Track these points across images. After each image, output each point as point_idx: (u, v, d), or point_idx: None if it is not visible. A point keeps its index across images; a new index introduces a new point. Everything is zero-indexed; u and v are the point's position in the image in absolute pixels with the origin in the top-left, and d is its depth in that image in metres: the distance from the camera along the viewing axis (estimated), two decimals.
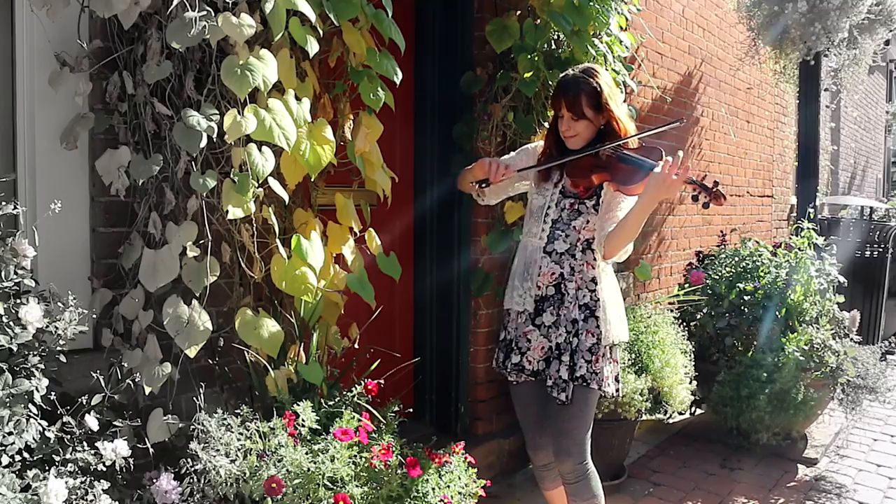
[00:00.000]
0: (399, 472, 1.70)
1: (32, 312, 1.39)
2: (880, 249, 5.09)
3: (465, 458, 1.93)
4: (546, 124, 2.85)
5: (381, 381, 1.94)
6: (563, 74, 2.16)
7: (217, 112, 1.65)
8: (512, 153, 2.31)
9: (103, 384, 1.56)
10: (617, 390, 2.13)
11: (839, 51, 4.91)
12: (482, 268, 3.00)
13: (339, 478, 1.61)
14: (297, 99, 1.80)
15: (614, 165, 2.03)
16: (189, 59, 1.72)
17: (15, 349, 1.38)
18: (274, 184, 1.75)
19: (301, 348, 1.97)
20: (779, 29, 4.67)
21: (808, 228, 4.04)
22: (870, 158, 11.38)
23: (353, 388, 1.90)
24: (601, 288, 2.09)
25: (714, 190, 1.89)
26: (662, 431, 3.81)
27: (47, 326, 1.45)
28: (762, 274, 3.62)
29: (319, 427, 1.70)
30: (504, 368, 2.19)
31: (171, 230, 1.70)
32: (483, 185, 2.13)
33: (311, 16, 1.73)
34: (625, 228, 2.00)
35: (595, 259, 2.10)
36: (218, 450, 1.57)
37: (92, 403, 1.52)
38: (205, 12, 1.58)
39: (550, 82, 2.80)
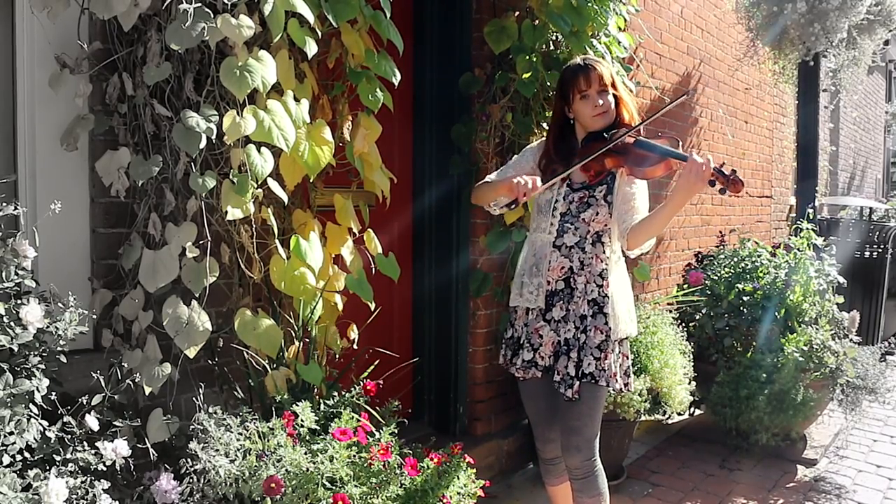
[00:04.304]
0: (398, 472, 1.71)
1: (33, 313, 1.40)
2: (880, 250, 5.09)
3: (464, 458, 1.93)
4: (545, 125, 2.86)
5: (380, 382, 1.95)
6: (567, 65, 2.17)
7: (216, 113, 1.66)
8: (514, 158, 2.30)
9: (103, 384, 1.56)
10: (626, 385, 2.13)
11: (838, 51, 4.92)
12: (481, 268, 3.00)
13: (339, 478, 1.61)
14: (296, 100, 1.81)
15: (628, 149, 2.02)
16: (188, 61, 1.73)
17: (16, 349, 1.39)
18: (273, 185, 1.76)
19: (300, 349, 1.97)
20: (778, 29, 4.68)
21: (808, 229, 4.05)
22: (869, 159, 11.38)
23: (352, 389, 1.90)
24: (609, 282, 2.09)
25: (732, 177, 1.89)
26: (661, 432, 3.81)
27: (48, 327, 1.45)
28: (761, 274, 3.62)
29: (318, 427, 1.70)
30: (512, 365, 2.18)
31: (171, 231, 1.71)
32: (512, 206, 2.05)
33: (310, 17, 1.74)
34: (654, 222, 1.98)
35: (604, 252, 2.09)
36: (217, 450, 1.58)
37: (92, 403, 1.53)
38: (199, 4, 1.58)
39: (549, 83, 2.81)
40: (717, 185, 1.91)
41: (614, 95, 2.11)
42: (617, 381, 2.08)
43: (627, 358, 2.15)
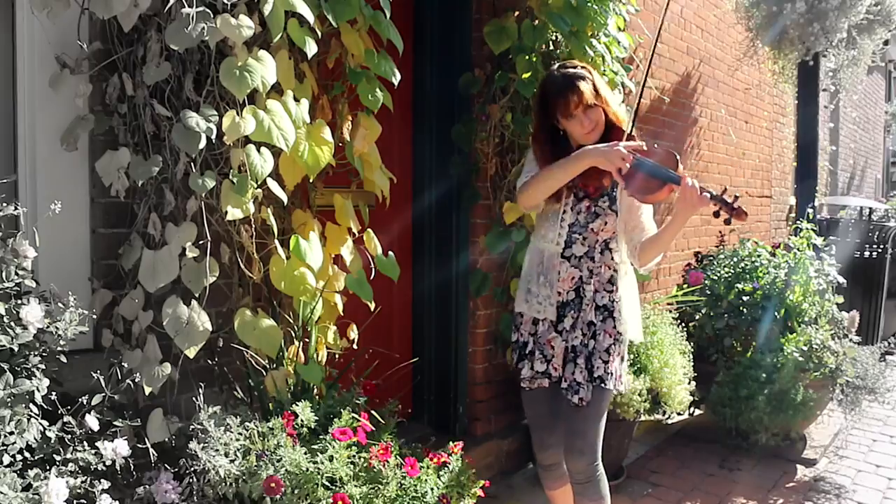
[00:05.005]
0: (398, 472, 1.71)
1: (33, 313, 1.40)
2: (879, 250, 5.09)
3: (464, 458, 1.93)
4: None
5: (380, 382, 1.95)
6: (547, 79, 2.10)
7: (216, 113, 1.66)
8: (528, 153, 2.20)
9: (103, 384, 1.56)
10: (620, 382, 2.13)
11: (838, 51, 4.92)
12: (481, 268, 3.00)
13: (338, 478, 1.61)
14: (296, 100, 1.81)
15: (628, 171, 1.94)
16: (188, 61, 1.73)
17: (16, 349, 1.39)
18: (272, 185, 1.76)
19: (300, 349, 1.97)
20: (777, 29, 4.68)
21: (807, 229, 4.04)
22: (869, 159, 11.38)
23: (352, 389, 1.90)
24: (619, 288, 2.09)
25: (735, 207, 1.88)
26: (661, 432, 3.81)
27: (48, 327, 1.46)
28: (761, 274, 3.62)
29: (318, 427, 1.71)
30: (519, 371, 2.17)
31: (171, 231, 1.71)
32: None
33: (310, 17, 1.74)
34: (660, 243, 2.04)
35: (613, 259, 2.09)
36: (217, 450, 1.58)
37: (92, 403, 1.53)
38: (202, 8, 1.58)
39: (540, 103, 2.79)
40: (722, 214, 1.89)
41: (601, 100, 2.03)
42: (621, 382, 2.08)
43: (624, 360, 2.15)
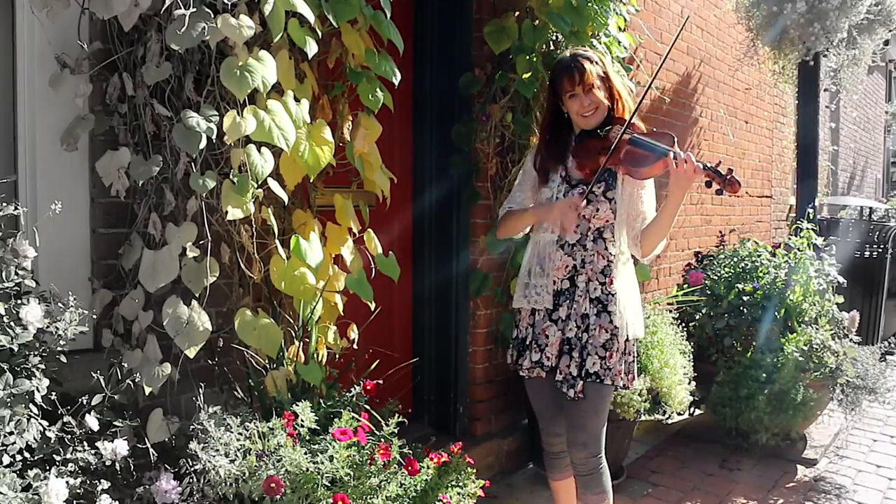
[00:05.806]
0: (398, 472, 1.71)
1: (33, 313, 1.40)
2: (880, 250, 5.09)
3: (464, 458, 1.93)
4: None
5: (380, 382, 1.95)
6: (556, 61, 2.18)
7: (216, 113, 1.66)
8: (519, 175, 2.28)
9: (103, 384, 1.56)
10: (631, 381, 2.13)
11: (838, 51, 4.91)
12: (481, 268, 3.00)
13: (338, 478, 1.61)
14: (296, 100, 1.81)
15: (624, 148, 2.01)
16: (188, 61, 1.73)
17: (16, 349, 1.39)
18: (273, 185, 1.75)
19: (300, 349, 1.97)
20: (778, 29, 4.67)
21: (808, 229, 4.04)
22: (869, 159, 11.38)
23: (352, 389, 1.90)
24: (614, 279, 2.07)
25: (728, 177, 1.90)
26: (661, 432, 3.81)
27: (48, 327, 1.46)
28: (761, 274, 3.62)
29: (318, 427, 1.70)
30: (519, 367, 2.18)
31: (171, 231, 1.71)
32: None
33: (310, 17, 1.74)
34: (659, 226, 2.04)
35: (606, 249, 2.08)
36: (217, 450, 1.58)
37: (92, 403, 1.53)
38: (195, 9, 1.58)
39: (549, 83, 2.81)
40: (714, 185, 1.91)
41: (608, 87, 2.10)
42: (621, 378, 2.07)
43: (631, 355, 2.14)
